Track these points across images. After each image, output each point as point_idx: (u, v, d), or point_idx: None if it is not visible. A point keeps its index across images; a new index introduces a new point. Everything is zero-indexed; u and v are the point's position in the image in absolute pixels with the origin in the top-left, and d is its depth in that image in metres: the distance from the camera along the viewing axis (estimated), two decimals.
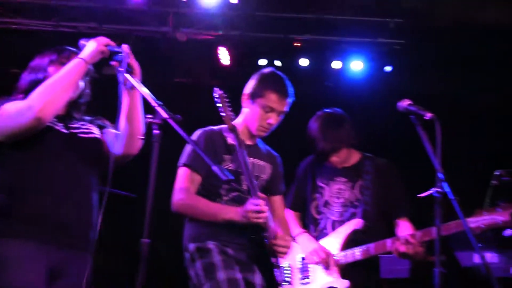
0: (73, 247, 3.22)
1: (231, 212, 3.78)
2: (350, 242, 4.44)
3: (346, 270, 4.41)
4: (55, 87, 3.16)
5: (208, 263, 3.77)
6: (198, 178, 3.90)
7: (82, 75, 3.28)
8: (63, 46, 3.50)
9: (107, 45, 3.27)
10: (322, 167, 4.70)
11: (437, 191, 3.43)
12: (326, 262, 4.41)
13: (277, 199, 4.22)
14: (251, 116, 4.01)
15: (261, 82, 4.04)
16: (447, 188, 3.40)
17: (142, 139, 3.30)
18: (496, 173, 4.65)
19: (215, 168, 2.94)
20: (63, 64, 3.30)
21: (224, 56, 7.23)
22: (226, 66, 7.26)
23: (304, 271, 4.50)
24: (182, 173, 3.91)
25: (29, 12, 6.84)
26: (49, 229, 3.14)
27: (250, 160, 3.97)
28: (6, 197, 3.14)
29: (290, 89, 4.07)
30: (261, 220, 3.70)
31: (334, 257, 4.41)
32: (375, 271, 4.54)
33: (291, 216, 4.75)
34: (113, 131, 3.44)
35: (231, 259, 3.79)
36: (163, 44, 7.03)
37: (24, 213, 3.12)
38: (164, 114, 2.95)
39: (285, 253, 3.90)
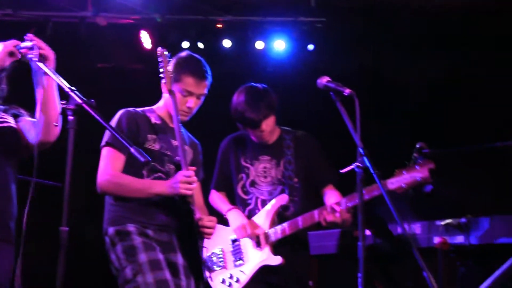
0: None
1: (158, 186, 3.76)
2: (278, 219, 4.46)
3: (276, 248, 4.42)
4: None
5: (129, 246, 3.74)
6: (122, 157, 3.85)
7: None
8: None
9: (16, 46, 3.19)
10: (245, 146, 4.68)
11: (358, 166, 3.48)
12: (255, 236, 4.43)
13: (196, 187, 4.15)
14: (171, 102, 3.96)
15: (177, 67, 4.00)
16: (367, 163, 3.44)
17: (56, 125, 3.22)
18: (417, 145, 4.73)
19: (133, 150, 2.92)
20: None
21: (146, 39, 7.16)
22: (148, 50, 7.16)
23: (237, 253, 4.51)
24: (106, 153, 3.87)
25: None
26: None
27: (175, 142, 3.95)
28: None
29: (207, 71, 4.05)
30: (189, 192, 3.70)
31: (265, 232, 4.42)
32: (304, 248, 4.59)
33: (217, 196, 4.75)
34: (29, 119, 3.39)
35: (152, 241, 3.77)
36: (83, 29, 6.90)
37: None
38: (77, 99, 2.92)
39: (211, 234, 3.91)
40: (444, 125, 6.92)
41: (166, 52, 3.87)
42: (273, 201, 4.48)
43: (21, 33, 3.31)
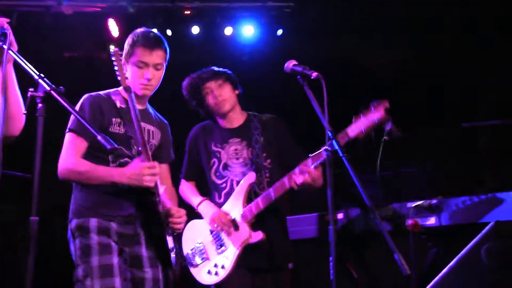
0: None
1: (117, 175, 3.72)
2: (250, 197, 4.50)
3: (254, 226, 4.46)
4: None
5: (85, 245, 3.73)
6: (84, 144, 3.82)
7: None
8: None
9: None
10: (213, 132, 4.72)
11: (326, 149, 3.49)
12: (230, 221, 4.45)
13: (164, 168, 4.19)
14: (131, 78, 3.93)
15: (130, 42, 3.98)
16: (336, 146, 3.46)
17: (25, 113, 3.14)
18: (387, 128, 4.75)
19: (100, 137, 2.90)
20: None
21: (113, 28, 7.08)
22: (116, 38, 7.08)
23: (217, 240, 4.53)
24: (68, 139, 3.84)
25: None
26: None
27: (141, 124, 3.91)
28: None
29: (160, 41, 3.99)
30: (153, 184, 3.68)
31: (240, 213, 4.45)
32: (283, 231, 4.64)
33: (187, 186, 4.77)
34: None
35: (111, 239, 3.74)
36: (49, 18, 6.82)
37: None
38: (46, 87, 2.90)
39: (181, 227, 3.92)
40: (411, 107, 6.95)
41: (118, 50, 3.80)
42: (242, 181, 4.51)
43: None
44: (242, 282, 4.44)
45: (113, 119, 3.88)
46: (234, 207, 4.50)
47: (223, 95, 4.63)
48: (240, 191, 4.51)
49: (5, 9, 6.55)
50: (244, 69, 4.87)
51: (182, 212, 3.94)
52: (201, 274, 4.50)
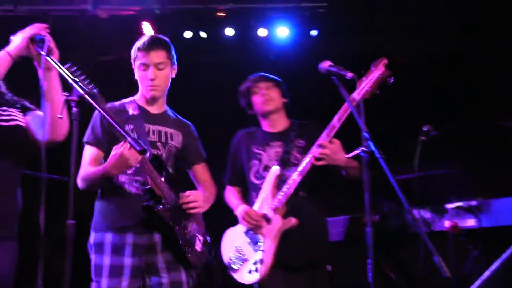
0: None
1: (106, 167, 3.69)
2: (279, 189, 4.48)
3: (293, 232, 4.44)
4: None
5: (98, 264, 3.79)
6: (98, 153, 3.90)
7: (6, 67, 3.22)
8: None
9: (32, 38, 3.20)
10: (255, 135, 4.77)
11: (363, 150, 3.45)
12: (259, 220, 4.46)
13: (199, 168, 4.24)
14: (139, 82, 4.03)
15: (134, 48, 4.05)
16: (373, 147, 3.41)
17: (60, 117, 3.18)
18: (424, 128, 4.70)
19: (130, 139, 3.01)
20: None
21: (147, 31, 7.09)
22: None
23: (253, 238, 4.52)
24: (84, 151, 3.93)
25: None
26: None
27: (156, 127, 3.99)
28: None
29: (158, 41, 4.02)
30: (135, 163, 3.63)
31: (271, 207, 4.45)
32: (321, 232, 4.61)
33: (230, 192, 4.82)
34: (39, 113, 3.36)
35: (123, 260, 3.77)
36: (84, 22, 6.87)
37: None
38: (80, 90, 2.92)
39: (195, 206, 3.91)
40: (448, 105, 6.88)
41: None
42: (267, 176, 4.53)
43: (22, 28, 3.30)
44: (278, 281, 4.42)
45: (125, 127, 3.89)
46: (264, 202, 4.51)
47: (270, 95, 4.71)
48: (267, 185, 4.52)
49: (40, 14, 6.62)
50: (278, 70, 4.86)
51: (193, 192, 3.94)
52: (243, 276, 4.50)
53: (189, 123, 4.24)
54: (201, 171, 4.24)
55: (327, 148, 4.21)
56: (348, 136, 4.07)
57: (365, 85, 3.95)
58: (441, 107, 6.89)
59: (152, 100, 4.02)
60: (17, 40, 3.23)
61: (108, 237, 3.80)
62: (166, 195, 3.81)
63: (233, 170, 4.84)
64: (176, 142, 4.06)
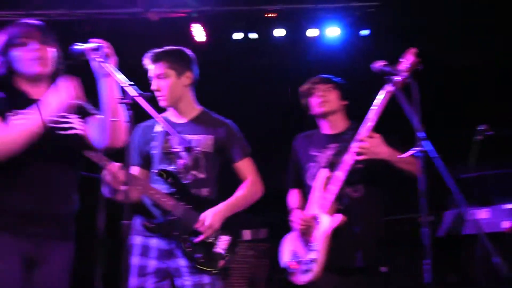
0: (49, 237, 3.25)
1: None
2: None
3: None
4: (6, 139, 3.13)
5: (127, 264, 3.88)
6: (135, 169, 4.10)
7: (34, 134, 3.17)
8: (21, 21, 3.42)
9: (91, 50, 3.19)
10: (313, 138, 4.75)
11: (419, 151, 3.41)
12: (308, 221, 4.46)
13: (240, 165, 4.24)
14: None
15: None
16: (428, 147, 3.37)
17: (117, 121, 3.23)
18: (480, 128, 4.62)
19: (178, 136, 3.21)
20: (24, 45, 3.27)
21: (198, 32, 7.15)
22: (201, 43, 7.15)
23: (305, 239, 4.52)
24: None
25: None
26: (23, 222, 3.18)
27: (183, 136, 4.05)
28: None
29: (154, 54, 4.17)
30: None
31: (320, 207, 4.43)
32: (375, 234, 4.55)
33: (292, 195, 4.81)
34: (99, 117, 3.37)
35: (149, 258, 3.95)
36: (135, 25, 6.95)
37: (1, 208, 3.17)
38: (133, 93, 2.95)
39: (204, 235, 3.97)
40: (503, 106, 6.78)
41: None
42: (317, 180, 4.50)
43: (76, 32, 3.33)
44: (331, 281, 4.40)
45: (151, 143, 4.08)
46: (315, 204, 4.49)
47: (327, 97, 4.67)
48: (317, 187, 4.49)
49: (93, 18, 6.70)
50: (328, 71, 4.83)
51: (207, 220, 3.98)
52: (299, 277, 4.48)
53: (228, 121, 4.27)
54: (242, 168, 4.25)
55: (366, 141, 4.18)
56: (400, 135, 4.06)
57: (401, 75, 3.84)
58: (493, 109, 6.79)
59: (169, 110, 4.18)
60: (54, 103, 3.22)
61: (137, 240, 4.00)
62: (171, 208, 3.93)
63: (294, 174, 4.82)
64: (204, 147, 4.12)
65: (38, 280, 3.23)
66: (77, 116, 3.41)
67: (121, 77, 3.05)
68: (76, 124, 3.38)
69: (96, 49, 3.15)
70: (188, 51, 4.26)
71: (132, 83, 3.02)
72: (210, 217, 3.97)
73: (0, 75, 3.31)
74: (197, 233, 3.94)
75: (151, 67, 4.12)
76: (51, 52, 3.34)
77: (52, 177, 3.27)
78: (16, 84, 3.33)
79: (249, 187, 4.23)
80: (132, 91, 2.96)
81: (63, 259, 3.31)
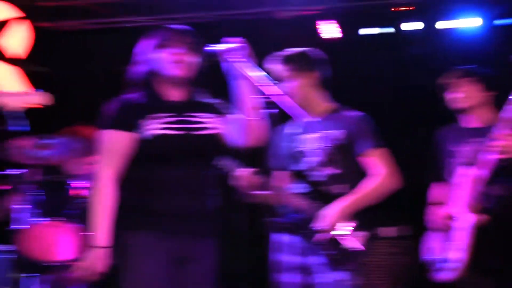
0: (196, 235, 3.31)
1: None
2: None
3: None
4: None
5: (273, 260, 4.08)
6: (271, 171, 4.19)
7: None
8: (165, 27, 3.47)
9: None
10: (451, 133, 4.62)
11: None
12: (444, 221, 4.45)
13: (372, 157, 4.11)
14: None
15: None
16: None
17: (253, 120, 3.24)
18: None
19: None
20: (165, 47, 3.31)
21: (328, 29, 7.09)
22: (330, 40, 7.09)
23: (447, 239, 4.44)
24: None
25: (135, 9, 6.98)
26: (171, 221, 3.24)
27: (313, 135, 4.12)
28: (131, 197, 3.28)
29: (274, 57, 4.24)
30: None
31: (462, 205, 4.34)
32: None
33: (434, 190, 4.68)
34: (236, 116, 3.35)
35: (287, 258, 4.07)
36: (265, 24, 6.94)
37: (147, 209, 3.25)
38: (273, 92, 3.08)
39: (329, 229, 3.96)
40: None
41: None
42: (456, 177, 4.44)
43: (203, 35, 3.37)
44: (475, 281, 4.32)
45: (284, 144, 4.25)
46: (455, 202, 4.41)
47: (465, 92, 4.52)
48: (456, 185, 4.40)
49: (217, 19, 6.76)
50: (466, 63, 4.66)
51: (327, 216, 3.95)
52: (443, 275, 4.42)
53: (360, 115, 4.19)
54: (374, 160, 4.12)
55: (505, 140, 4.07)
56: None
57: None
58: None
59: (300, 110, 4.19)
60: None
61: (276, 237, 4.02)
62: (305, 207, 3.98)
63: (435, 168, 4.69)
64: (339, 142, 4.09)
65: (187, 278, 3.29)
66: (210, 114, 3.42)
67: (261, 76, 3.08)
68: (209, 123, 3.39)
69: (235, 49, 3.18)
70: (314, 51, 4.24)
71: (276, 81, 3.02)
72: (329, 213, 3.94)
73: (143, 76, 3.37)
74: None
75: (277, 69, 4.13)
76: (195, 57, 3.36)
77: (194, 175, 3.31)
78: (155, 86, 3.38)
79: (380, 179, 4.09)
80: (273, 90, 3.03)
81: (210, 256, 3.36)
